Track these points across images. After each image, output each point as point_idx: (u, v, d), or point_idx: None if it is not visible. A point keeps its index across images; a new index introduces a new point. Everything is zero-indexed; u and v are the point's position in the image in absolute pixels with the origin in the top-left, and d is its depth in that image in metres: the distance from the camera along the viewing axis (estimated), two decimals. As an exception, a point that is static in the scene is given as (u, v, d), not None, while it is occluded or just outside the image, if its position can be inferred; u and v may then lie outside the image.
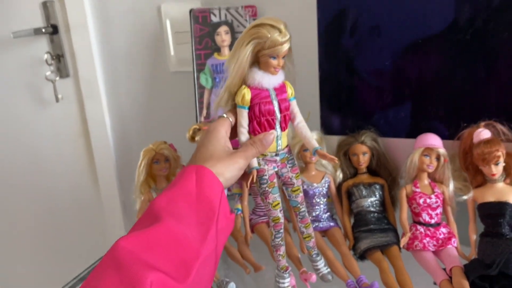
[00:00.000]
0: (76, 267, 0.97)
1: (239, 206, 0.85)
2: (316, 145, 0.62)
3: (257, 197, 0.86)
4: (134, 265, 0.41)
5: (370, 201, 0.80)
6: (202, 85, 1.04)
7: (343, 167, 0.85)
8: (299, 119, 0.63)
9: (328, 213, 0.83)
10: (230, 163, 0.54)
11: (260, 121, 0.60)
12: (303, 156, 0.82)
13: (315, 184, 0.82)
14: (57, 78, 1.30)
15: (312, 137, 0.63)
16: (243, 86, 0.59)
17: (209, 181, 0.51)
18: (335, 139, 0.87)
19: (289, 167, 0.64)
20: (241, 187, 0.87)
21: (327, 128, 0.88)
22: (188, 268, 0.44)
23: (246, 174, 0.59)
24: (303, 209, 0.66)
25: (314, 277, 0.70)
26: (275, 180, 0.63)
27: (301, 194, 0.65)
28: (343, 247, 0.77)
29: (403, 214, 0.76)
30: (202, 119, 1.04)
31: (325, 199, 0.83)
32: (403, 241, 0.72)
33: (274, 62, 0.57)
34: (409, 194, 0.77)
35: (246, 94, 0.58)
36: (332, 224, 0.82)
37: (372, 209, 0.80)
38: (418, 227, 0.75)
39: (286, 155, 0.63)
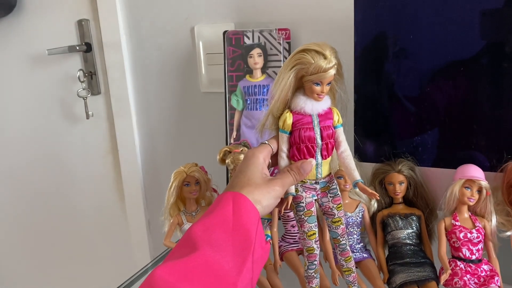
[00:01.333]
0: (100, 286, 0.96)
1: (268, 232, 0.82)
2: (358, 177, 0.60)
3: (287, 224, 0.84)
4: None
5: (407, 233, 0.77)
6: (233, 107, 1.03)
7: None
8: (344, 147, 0.61)
9: (361, 244, 0.80)
10: (268, 191, 0.53)
11: (300, 147, 0.58)
12: (337, 183, 0.79)
13: (348, 213, 0.79)
14: (89, 95, 1.31)
15: (356, 169, 0.61)
16: (286, 111, 0.58)
17: (246, 209, 0.50)
18: (369, 167, 0.84)
19: (330, 197, 0.62)
20: (271, 212, 0.85)
21: (361, 155, 0.85)
22: None
23: (281, 200, 0.58)
24: (343, 242, 0.64)
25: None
26: (313, 209, 0.61)
27: (342, 226, 0.63)
28: (378, 280, 0.74)
29: (442, 248, 0.72)
30: (232, 141, 1.03)
31: (358, 229, 0.80)
32: (444, 277, 0.69)
33: (317, 88, 0.56)
34: (448, 227, 0.74)
35: (288, 118, 0.58)
36: (365, 255, 0.79)
37: (408, 241, 0.76)
38: (458, 262, 0.71)
39: (328, 184, 0.61)
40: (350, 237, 0.79)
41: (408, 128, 0.82)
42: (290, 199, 0.58)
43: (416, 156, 0.81)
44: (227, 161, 0.86)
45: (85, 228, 1.46)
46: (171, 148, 1.24)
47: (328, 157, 0.61)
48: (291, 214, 0.83)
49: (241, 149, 0.87)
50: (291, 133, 0.59)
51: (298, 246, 0.83)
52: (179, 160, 0.88)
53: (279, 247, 0.83)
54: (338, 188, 0.63)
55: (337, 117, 0.61)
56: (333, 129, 0.60)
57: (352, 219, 0.79)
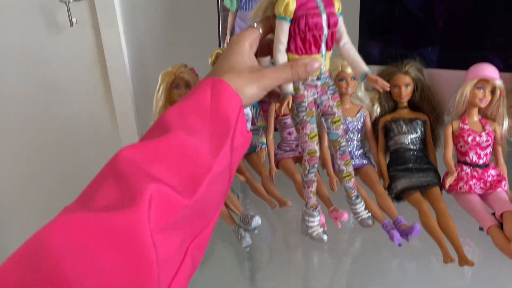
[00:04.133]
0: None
1: (264, 140, 0.78)
2: (366, 68, 0.53)
3: (283, 131, 0.79)
4: (135, 175, 0.37)
5: (411, 138, 0.72)
6: (226, 8, 0.94)
7: (382, 100, 0.76)
8: (346, 39, 0.54)
9: (361, 150, 0.76)
10: (252, 80, 0.47)
11: (305, 37, 0.50)
12: (338, 87, 0.73)
13: (349, 118, 0.74)
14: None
15: (362, 60, 0.54)
16: None
17: (226, 95, 0.45)
18: (374, 70, 0.77)
19: (330, 94, 0.56)
20: (267, 120, 0.80)
21: (365, 57, 0.77)
22: (196, 183, 0.39)
23: (280, 101, 0.52)
24: (343, 144, 0.59)
25: (346, 215, 0.64)
26: (313, 109, 0.55)
27: (342, 126, 0.58)
28: (378, 186, 0.70)
29: (448, 152, 0.68)
30: (225, 44, 0.95)
31: (359, 135, 0.75)
32: (449, 181, 0.65)
33: None
34: (455, 132, 0.69)
35: (291, 3, 0.49)
36: (365, 162, 0.75)
37: (412, 146, 0.72)
38: (464, 167, 0.67)
39: (327, 80, 0.55)
40: (349, 143, 0.74)
41: (417, 28, 0.75)
42: (290, 98, 0.52)
43: (424, 57, 0.75)
44: (219, 63, 0.80)
45: (75, 143, 1.42)
46: (161, 55, 1.17)
47: (332, 48, 0.54)
48: (288, 121, 0.78)
49: (234, 51, 0.80)
50: (292, 21, 0.51)
51: (294, 153, 0.79)
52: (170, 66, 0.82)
53: (275, 155, 0.79)
54: (336, 88, 0.57)
55: (338, 5, 0.53)
56: (337, 16, 0.53)
57: (352, 124, 0.74)
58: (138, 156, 0.39)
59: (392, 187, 0.70)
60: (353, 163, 0.74)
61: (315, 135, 0.57)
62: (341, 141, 0.59)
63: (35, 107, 1.42)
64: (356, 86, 0.74)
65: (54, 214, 0.36)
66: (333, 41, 0.53)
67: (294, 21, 0.50)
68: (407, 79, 0.73)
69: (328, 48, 0.53)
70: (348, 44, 0.55)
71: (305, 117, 0.55)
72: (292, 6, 0.49)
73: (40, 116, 1.43)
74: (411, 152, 0.72)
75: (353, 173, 0.62)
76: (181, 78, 0.72)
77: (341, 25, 0.54)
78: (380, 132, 0.76)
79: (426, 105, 0.75)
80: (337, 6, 0.53)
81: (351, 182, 0.62)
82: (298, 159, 0.79)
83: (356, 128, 0.74)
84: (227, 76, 0.46)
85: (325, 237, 0.61)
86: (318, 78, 0.54)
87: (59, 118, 1.40)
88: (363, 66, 0.54)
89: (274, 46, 0.52)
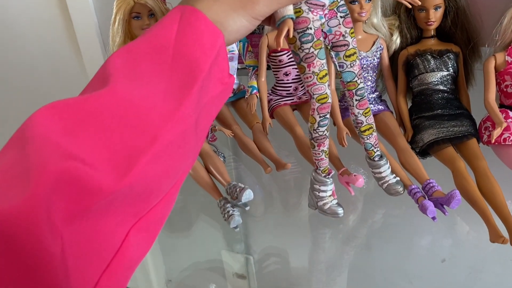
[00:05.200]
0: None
1: (255, 83, 0.63)
2: None
3: (279, 72, 0.63)
4: (42, 148, 0.28)
5: (440, 76, 0.57)
6: None
7: (403, 28, 0.60)
8: None
9: (376, 93, 0.61)
10: (237, 6, 0.35)
11: None
12: (348, 10, 0.57)
13: (362, 53, 0.58)
14: None
15: None
16: None
17: (198, 29, 0.33)
18: (393, -13, 0.60)
19: (341, 17, 0.40)
20: (257, 57, 0.63)
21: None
22: (132, 159, 0.29)
23: (278, 29, 0.37)
24: (361, 86, 0.44)
25: (361, 180, 0.50)
26: (321, 39, 0.40)
27: (358, 62, 0.43)
28: (399, 138, 0.56)
29: (491, 94, 0.54)
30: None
31: (374, 74, 0.60)
32: (497, 133, 0.50)
33: None
34: (499, 67, 0.54)
35: None
36: (381, 107, 0.60)
37: (441, 87, 0.57)
38: (510, 113, 0.53)
39: None
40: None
41: None
42: (291, 24, 0.37)
43: (460, -31, 0.58)
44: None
45: (40, 85, 1.25)
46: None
47: None
48: (284, 57, 0.62)
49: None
50: None
51: (292, 99, 0.63)
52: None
53: (269, 101, 0.64)
54: (347, 7, 0.42)
55: None
56: None
57: (367, 60, 0.58)
58: (55, 121, 0.29)
59: (417, 139, 0.56)
60: (367, 109, 0.60)
61: (326, 74, 0.42)
62: (358, 81, 0.44)
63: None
64: (371, 10, 0.57)
65: None
66: None
67: None
68: (437, -1, 0.56)
69: None
70: None
71: (311, 50, 0.40)
72: None
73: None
74: (440, 94, 0.57)
75: (374, 125, 0.48)
76: (142, 4, 0.54)
77: None
78: (400, 70, 0.60)
79: (460, 34, 0.59)
80: None
81: (373, 138, 0.49)
82: (298, 106, 0.64)
83: (371, 65, 0.59)
84: (203, 3, 0.34)
85: (340, 210, 0.48)
86: None
87: (18, 59, 1.22)
88: None
89: None
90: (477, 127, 0.56)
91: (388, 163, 0.50)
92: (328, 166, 0.48)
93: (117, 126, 0.29)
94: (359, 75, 0.43)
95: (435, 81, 0.57)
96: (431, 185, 0.50)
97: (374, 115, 0.59)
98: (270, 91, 0.65)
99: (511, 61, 0.53)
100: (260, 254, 0.68)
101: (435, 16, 0.57)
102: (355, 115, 0.46)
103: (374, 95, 0.60)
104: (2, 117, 1.32)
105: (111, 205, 0.30)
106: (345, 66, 0.42)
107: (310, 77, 0.41)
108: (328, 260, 0.62)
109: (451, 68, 0.57)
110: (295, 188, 0.65)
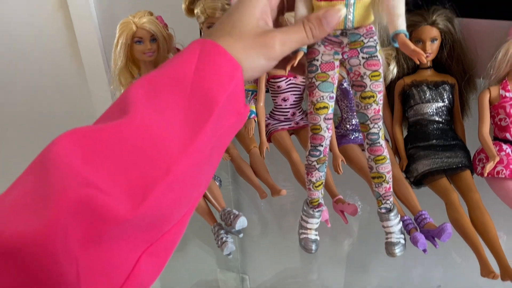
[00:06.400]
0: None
1: (253, 108, 0.63)
2: (401, 26, 0.38)
3: (277, 97, 0.64)
4: (63, 176, 0.28)
5: (436, 107, 0.58)
6: None
7: (400, 58, 0.61)
8: None
9: (373, 121, 0.62)
10: (257, 46, 0.36)
11: None
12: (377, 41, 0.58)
13: (359, 81, 0.59)
14: None
15: (403, 15, 0.38)
16: None
17: (217, 63, 0.34)
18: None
19: (363, 58, 0.40)
20: (256, 82, 0.64)
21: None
22: (147, 188, 0.30)
23: (287, 57, 0.39)
24: (374, 130, 0.43)
25: (355, 209, 0.50)
26: (330, 73, 0.41)
27: (376, 107, 0.42)
28: (394, 168, 0.56)
29: (485, 127, 0.54)
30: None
31: (371, 102, 0.61)
32: (490, 166, 0.51)
33: None
34: (494, 100, 0.55)
35: None
36: (377, 135, 0.61)
37: (437, 118, 0.58)
38: (504, 146, 0.54)
39: (362, 38, 0.40)
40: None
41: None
42: (300, 55, 0.39)
43: (456, 2, 0.59)
44: (195, 10, 0.63)
45: (43, 99, 1.26)
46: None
47: None
48: (283, 84, 0.63)
49: (216, -7, 0.64)
50: None
51: (290, 124, 0.64)
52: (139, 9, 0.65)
53: (267, 125, 0.65)
54: (377, 46, 0.41)
55: None
56: None
57: (364, 89, 0.59)
58: (76, 149, 0.30)
59: (412, 169, 0.56)
60: (360, 136, 0.60)
61: (324, 107, 0.42)
62: (370, 126, 0.43)
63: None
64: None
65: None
66: None
67: None
68: (433, 31, 0.57)
69: None
70: None
71: (313, 80, 0.41)
72: None
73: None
74: (436, 125, 0.58)
75: (388, 175, 0.45)
76: (144, 29, 0.56)
77: None
78: (396, 99, 0.61)
79: (456, 66, 0.60)
80: None
81: (382, 188, 0.45)
82: (296, 131, 0.65)
83: (368, 94, 0.59)
84: (225, 40, 0.35)
85: (313, 247, 0.47)
86: (344, 34, 0.40)
87: (20, 71, 1.23)
88: (399, 22, 0.38)
89: None
90: (471, 158, 0.56)
91: (398, 220, 0.46)
92: (319, 199, 0.48)
93: (134, 156, 0.30)
94: (372, 120, 0.42)
95: (430, 112, 0.58)
96: (423, 216, 0.50)
97: (370, 143, 0.60)
98: (268, 116, 0.66)
99: (505, 95, 0.54)
100: (256, 273, 0.68)
101: (432, 48, 0.58)
102: (367, 158, 0.45)
103: (370, 123, 0.61)
104: (4, 129, 1.32)
105: (125, 232, 0.30)
106: (360, 106, 0.42)
107: (309, 105, 0.42)
108: (322, 281, 0.62)
109: (446, 100, 0.58)
110: (290, 213, 0.65)
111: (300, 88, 0.63)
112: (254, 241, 0.68)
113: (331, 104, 0.42)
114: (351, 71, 0.41)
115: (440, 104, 0.58)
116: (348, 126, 0.61)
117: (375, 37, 0.41)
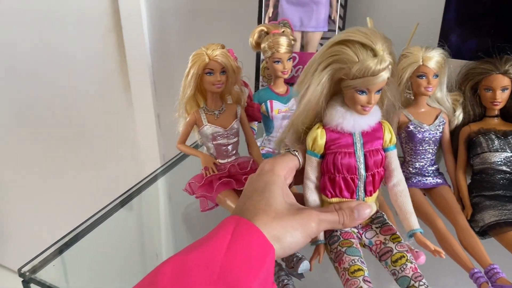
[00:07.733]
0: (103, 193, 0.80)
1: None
2: (415, 225, 0.42)
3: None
4: None
5: (504, 157, 0.57)
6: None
7: (467, 104, 0.61)
8: (397, 179, 0.44)
9: (436, 166, 0.61)
10: (297, 223, 0.38)
11: (334, 179, 0.42)
12: (414, 84, 0.58)
13: (425, 126, 0.58)
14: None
15: (413, 213, 0.42)
16: (317, 125, 0.43)
17: (250, 244, 0.34)
18: (460, 65, 0.61)
19: (377, 227, 0.44)
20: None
21: (450, 48, 0.62)
22: None
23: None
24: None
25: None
26: (353, 241, 0.43)
27: (411, 265, 0.40)
28: (459, 215, 0.55)
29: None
30: (267, 20, 0.80)
31: (435, 147, 0.60)
32: None
33: (363, 98, 0.40)
34: None
35: (319, 137, 0.42)
36: (440, 181, 0.60)
37: (504, 168, 0.57)
38: None
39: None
40: (423, 156, 0.59)
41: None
42: (322, 249, 0.43)
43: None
44: (262, 45, 0.64)
45: (87, 118, 1.28)
46: (187, 27, 1.01)
47: (374, 193, 0.44)
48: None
49: (282, 30, 0.65)
50: (322, 156, 0.43)
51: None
52: (196, 42, 0.67)
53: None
54: (385, 216, 0.45)
55: (389, 136, 0.43)
56: (382, 153, 0.43)
57: (430, 134, 0.58)
58: None
59: (477, 218, 0.55)
60: (425, 181, 0.59)
61: (359, 269, 0.39)
62: (416, 285, 0.39)
63: (43, 75, 1.28)
64: (437, 85, 0.58)
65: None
66: (376, 185, 0.43)
67: (325, 158, 0.43)
68: (505, 81, 0.57)
69: (367, 193, 0.43)
70: (399, 186, 0.44)
71: (339, 248, 0.42)
72: (321, 141, 0.42)
73: (49, 86, 1.29)
74: (503, 175, 0.57)
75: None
76: (216, 62, 0.56)
77: (391, 161, 0.44)
78: (461, 145, 0.60)
79: (525, 115, 0.59)
80: (388, 138, 0.43)
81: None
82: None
83: (433, 138, 0.59)
84: (261, 219, 0.36)
85: None
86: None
87: (69, 88, 1.26)
88: (412, 221, 0.42)
89: (304, 181, 0.44)
90: (539, 212, 0.55)
91: None
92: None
93: None
94: (416, 278, 0.39)
95: (498, 161, 0.57)
96: (495, 270, 0.48)
97: (432, 188, 0.60)
98: None
99: None
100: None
101: (502, 97, 0.57)
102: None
103: (433, 168, 0.60)
104: (52, 140, 1.35)
105: None
106: (397, 272, 0.40)
107: (343, 274, 0.40)
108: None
109: (515, 150, 0.57)
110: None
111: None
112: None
113: (365, 267, 0.40)
114: (371, 245, 0.43)
115: (509, 154, 0.57)
116: (411, 169, 0.60)
117: (382, 212, 0.45)
